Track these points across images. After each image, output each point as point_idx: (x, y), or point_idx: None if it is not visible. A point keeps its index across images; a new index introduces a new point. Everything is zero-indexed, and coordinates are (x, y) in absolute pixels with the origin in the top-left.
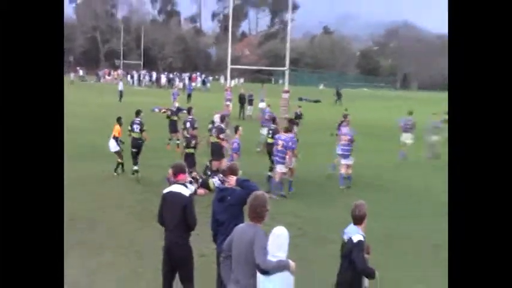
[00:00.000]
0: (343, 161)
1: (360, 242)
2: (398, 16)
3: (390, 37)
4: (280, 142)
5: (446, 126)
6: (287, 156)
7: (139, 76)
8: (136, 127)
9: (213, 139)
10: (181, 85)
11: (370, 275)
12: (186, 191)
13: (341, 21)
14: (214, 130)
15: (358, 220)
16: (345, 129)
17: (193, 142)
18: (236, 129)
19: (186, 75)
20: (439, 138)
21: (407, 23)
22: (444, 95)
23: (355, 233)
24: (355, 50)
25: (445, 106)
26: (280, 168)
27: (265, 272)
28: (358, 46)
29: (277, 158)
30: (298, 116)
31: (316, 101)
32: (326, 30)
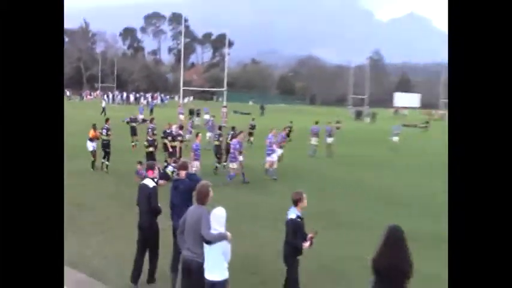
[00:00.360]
0: (268, 159)
1: (291, 219)
2: (306, 51)
3: (301, 66)
4: (231, 147)
5: (337, 131)
6: (238, 156)
7: (113, 96)
8: (104, 131)
9: (173, 143)
10: (145, 102)
11: (297, 248)
12: (152, 183)
13: (265, 54)
14: (170, 136)
15: (294, 202)
16: (269, 136)
17: (146, 144)
18: (197, 135)
19: (149, 95)
20: (333, 141)
21: (313, 56)
22: (339, 109)
23: (291, 213)
24: (275, 75)
25: (338, 117)
26: (232, 166)
27: (209, 242)
28: (277, 72)
29: (230, 159)
30: (253, 127)
31: (247, 114)
32: (254, 61)
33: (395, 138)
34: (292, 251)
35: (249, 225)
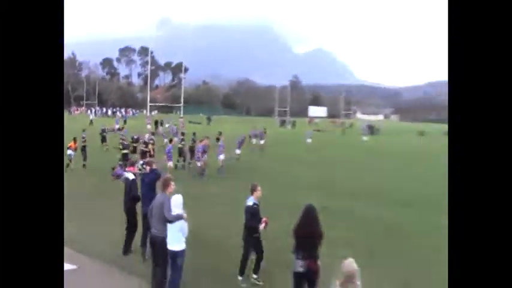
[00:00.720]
0: (218, 158)
1: (248, 206)
2: (243, 75)
3: (240, 86)
4: (196, 149)
5: (266, 135)
6: (201, 157)
7: (95, 110)
8: (82, 139)
9: (146, 149)
10: (120, 115)
11: (255, 229)
12: (132, 176)
13: (212, 77)
14: (143, 142)
15: (251, 191)
16: (220, 142)
17: (121, 147)
18: (170, 140)
19: (123, 109)
20: (264, 142)
21: (249, 79)
22: (268, 119)
23: (249, 201)
24: (220, 93)
25: (267, 125)
26: (199, 164)
27: (170, 222)
28: (222, 91)
29: (196, 158)
30: (220, 133)
31: (199, 123)
32: (204, 83)
33: (309, 140)
34: (250, 231)
35: (202, 208)
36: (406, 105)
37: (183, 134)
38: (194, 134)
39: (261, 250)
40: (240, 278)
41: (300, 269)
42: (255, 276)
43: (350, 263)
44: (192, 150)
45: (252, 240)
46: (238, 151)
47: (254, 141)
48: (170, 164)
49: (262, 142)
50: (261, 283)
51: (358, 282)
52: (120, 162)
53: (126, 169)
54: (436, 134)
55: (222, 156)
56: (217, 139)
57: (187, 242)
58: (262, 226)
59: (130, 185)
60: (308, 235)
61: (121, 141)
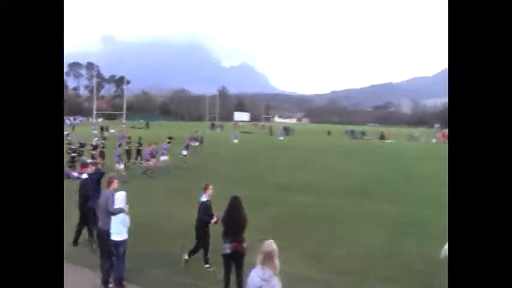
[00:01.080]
0: (161, 158)
1: (202, 202)
2: (178, 85)
3: (175, 95)
4: (144, 152)
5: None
6: (150, 159)
7: None
8: None
9: (94, 152)
10: (69, 122)
11: (206, 223)
12: (85, 176)
13: (151, 88)
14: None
15: (204, 190)
16: (164, 144)
17: (70, 151)
18: (120, 145)
19: (72, 117)
20: (198, 144)
21: (183, 89)
22: (200, 123)
23: (202, 198)
24: (158, 101)
25: (197, 127)
26: (145, 164)
27: (113, 214)
28: (159, 99)
29: (144, 160)
30: (171, 138)
31: (140, 128)
32: (143, 92)
33: (235, 141)
34: (202, 225)
35: (143, 203)
36: (315, 110)
37: (129, 137)
38: (140, 138)
39: (207, 242)
40: (186, 257)
41: (228, 251)
42: (207, 265)
43: (270, 244)
44: (139, 152)
45: (202, 232)
46: (184, 152)
47: (192, 142)
48: (119, 166)
49: (197, 144)
50: (213, 268)
51: (277, 262)
52: (69, 164)
53: (80, 170)
54: (339, 133)
55: (163, 157)
56: (169, 142)
57: (139, 232)
58: (214, 220)
59: (83, 183)
60: (235, 222)
61: (69, 145)
